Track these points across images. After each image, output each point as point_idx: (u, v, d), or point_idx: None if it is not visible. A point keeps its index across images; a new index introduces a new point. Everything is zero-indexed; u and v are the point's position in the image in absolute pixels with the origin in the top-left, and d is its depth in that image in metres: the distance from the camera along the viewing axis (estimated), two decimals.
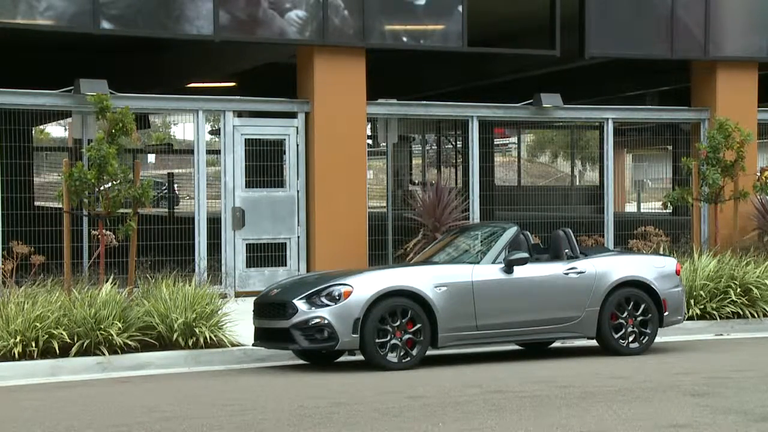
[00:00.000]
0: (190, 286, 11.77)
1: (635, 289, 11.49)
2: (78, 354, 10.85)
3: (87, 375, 10.60)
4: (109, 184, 12.12)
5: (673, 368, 10.50)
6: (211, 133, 23.22)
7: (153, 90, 16.21)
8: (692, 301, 13.59)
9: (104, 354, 10.90)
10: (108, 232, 12.30)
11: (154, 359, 11.10)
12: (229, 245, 15.31)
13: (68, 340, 10.83)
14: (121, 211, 12.32)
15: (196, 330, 11.28)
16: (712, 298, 13.76)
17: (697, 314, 13.62)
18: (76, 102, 14.34)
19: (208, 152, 16.02)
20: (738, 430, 7.32)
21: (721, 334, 13.47)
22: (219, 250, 15.27)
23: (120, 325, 11.03)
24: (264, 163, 15.63)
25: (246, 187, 15.50)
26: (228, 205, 15.36)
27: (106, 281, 11.75)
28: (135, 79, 19.56)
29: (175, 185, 23.63)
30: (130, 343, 11.05)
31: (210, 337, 11.29)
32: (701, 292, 13.70)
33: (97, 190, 12.08)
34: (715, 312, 13.70)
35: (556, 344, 12.36)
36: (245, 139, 15.50)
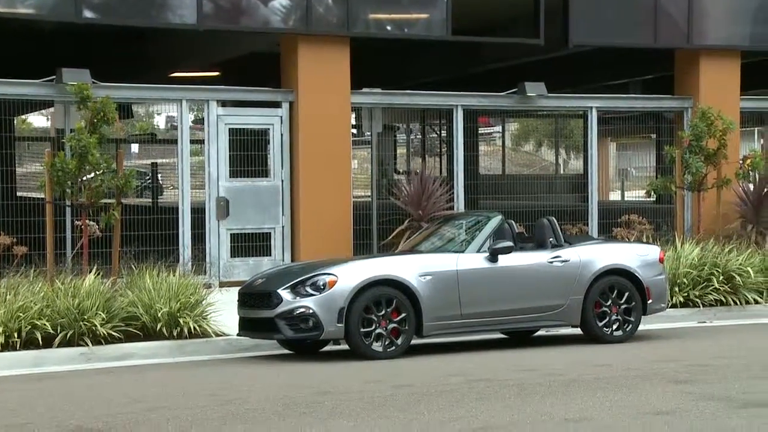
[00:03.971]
0: (174, 276, 11.75)
1: (619, 277, 11.52)
2: (61, 345, 10.81)
3: (70, 366, 10.56)
4: (92, 174, 12.07)
5: (657, 356, 10.54)
6: (195, 122, 23.12)
7: (136, 79, 16.13)
8: (675, 289, 13.65)
9: (88, 345, 10.86)
10: (91, 223, 12.24)
11: (138, 350, 11.06)
12: (214, 235, 15.27)
13: (51, 331, 10.79)
14: (104, 201, 12.27)
15: (181, 320, 11.25)
16: (695, 285, 13.81)
17: (680, 302, 13.67)
18: (58, 91, 14.26)
19: (192, 142, 15.96)
20: (721, 416, 7.36)
21: (704, 322, 13.53)
22: (203, 240, 15.21)
23: (104, 315, 11.00)
24: (248, 153, 15.58)
25: (230, 176, 15.45)
26: (212, 195, 15.31)
27: (90, 272, 11.71)
28: (118, 69, 19.45)
29: (159, 175, 23.54)
30: (113, 333, 11.02)
31: (194, 327, 11.27)
32: (684, 280, 13.75)
33: (79, 180, 12.02)
34: (698, 300, 13.76)
35: (541, 332, 12.39)
36: (229, 129, 15.45)
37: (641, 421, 7.27)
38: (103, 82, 14.40)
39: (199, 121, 23.98)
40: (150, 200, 21.49)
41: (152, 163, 23.75)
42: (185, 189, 15.15)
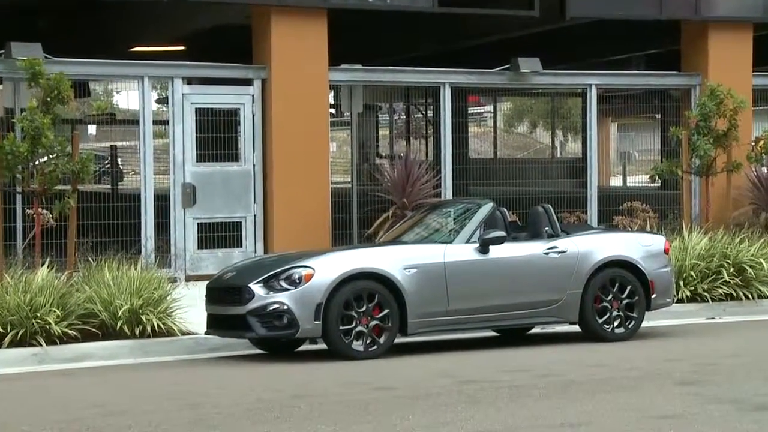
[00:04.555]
0: (135, 269, 11.72)
1: (621, 269, 11.55)
2: (12, 345, 10.77)
3: (22, 367, 10.52)
4: (45, 158, 12.00)
5: (662, 355, 10.59)
6: (158, 102, 23.01)
7: (93, 54, 16.04)
8: (682, 283, 13.70)
9: (41, 344, 10.83)
10: (44, 211, 12.18)
11: (96, 350, 11.03)
12: (179, 224, 15.23)
13: (0, 330, 10.73)
14: (59, 187, 12.21)
15: (143, 318, 11.23)
16: (704, 278, 13.86)
17: (687, 296, 13.73)
18: (7, 68, 14.17)
19: (155, 123, 15.89)
20: (730, 420, 7.39)
21: (713, 318, 13.59)
22: (167, 229, 15.18)
23: (58, 312, 10.96)
24: (216, 135, 15.54)
25: (197, 161, 15.41)
26: (177, 181, 15.27)
27: (43, 265, 11.65)
28: (74, 43, 19.34)
29: (119, 159, 23.45)
30: (69, 332, 10.98)
31: (158, 325, 11.25)
32: (691, 273, 13.80)
33: (31, 164, 11.96)
34: (706, 294, 13.81)
35: (536, 330, 12.42)
36: (196, 109, 15.40)
37: (645, 426, 7.30)
38: (57, 57, 14.32)
39: (162, 101, 23.90)
40: (109, 187, 21.37)
41: (111, 146, 23.63)
42: (148, 174, 15.10)
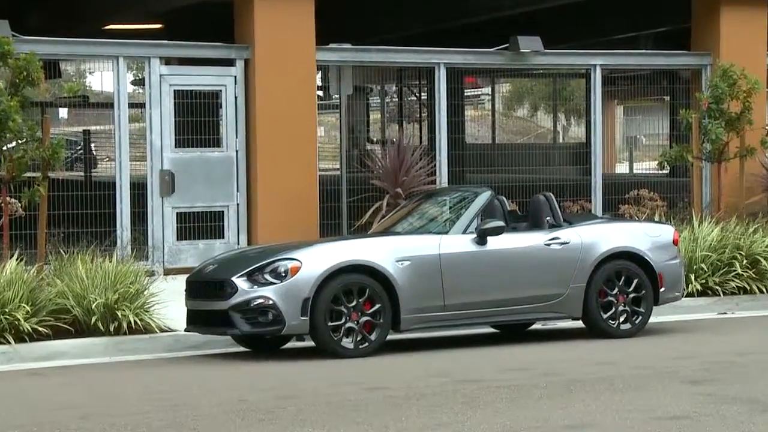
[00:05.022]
0: (110, 262, 11.71)
1: (627, 261, 11.57)
2: None
3: None
4: (13, 144, 11.98)
5: (670, 352, 10.62)
6: (135, 83, 22.95)
7: (65, 33, 15.99)
8: (692, 275, 13.73)
9: (9, 342, 10.82)
10: (12, 200, 12.16)
11: (68, 348, 11.03)
12: (157, 214, 15.22)
13: None
14: (28, 175, 12.19)
15: (119, 313, 11.23)
16: (715, 271, 13.90)
17: (697, 290, 13.76)
18: None
19: (131, 106, 15.85)
20: (743, 421, 7.42)
21: (725, 313, 13.63)
22: (144, 220, 15.16)
23: (28, 308, 10.95)
24: (197, 119, 15.52)
25: (176, 146, 15.39)
26: (155, 168, 15.25)
27: (11, 257, 11.64)
28: (44, 21, 19.31)
29: (92, 144, 23.43)
30: (40, 329, 10.97)
31: (135, 321, 11.25)
32: (702, 265, 13.84)
33: None
34: (718, 287, 13.85)
35: (537, 326, 12.43)
36: (174, 91, 15.37)
37: (652, 427, 7.33)
38: (26, 36, 14.28)
39: (139, 82, 23.86)
40: (82, 174, 21.37)
41: (84, 130, 23.63)
42: (123, 161, 15.08)
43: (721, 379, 8.97)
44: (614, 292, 11.50)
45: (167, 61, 15.79)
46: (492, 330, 12.23)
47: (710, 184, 17.19)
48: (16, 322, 10.86)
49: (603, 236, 11.60)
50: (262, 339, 11.12)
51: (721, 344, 11.21)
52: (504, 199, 11.97)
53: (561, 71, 21.40)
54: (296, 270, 10.45)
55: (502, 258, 11.14)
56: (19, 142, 11.95)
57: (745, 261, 13.99)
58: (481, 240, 11.08)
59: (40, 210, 12.10)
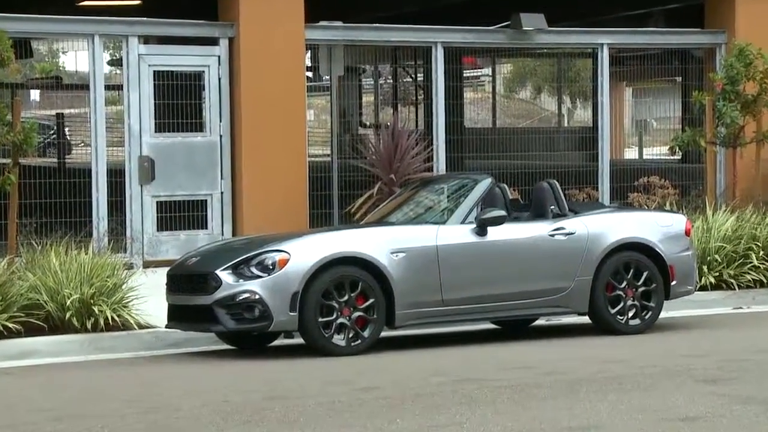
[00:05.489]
0: (86, 254, 11.71)
1: (636, 253, 11.59)
2: None
3: None
4: None
5: (682, 349, 10.64)
6: (111, 63, 22.89)
7: (37, 10, 15.95)
8: (705, 268, 13.75)
9: None
10: None
11: (42, 345, 11.04)
12: (136, 203, 15.21)
13: None
14: None
15: (95, 309, 11.23)
16: (730, 263, 13.92)
17: (711, 283, 13.78)
18: None
19: (108, 88, 15.83)
20: (760, 422, 7.44)
21: (741, 307, 13.66)
22: (122, 209, 15.16)
23: None
24: (178, 102, 15.51)
25: (156, 131, 15.38)
26: (133, 154, 15.24)
27: None
28: None
29: (66, 129, 23.38)
30: (10, 326, 10.98)
31: (112, 317, 11.25)
32: (716, 257, 13.86)
33: None
34: (732, 280, 13.87)
35: (540, 322, 12.45)
36: (154, 72, 15.36)
37: (663, 429, 7.34)
38: None
39: (116, 62, 23.82)
40: (55, 160, 21.35)
41: (57, 113, 23.57)
42: (99, 146, 15.07)
43: (737, 378, 8.99)
44: (622, 285, 11.51)
45: (146, 39, 15.76)
46: (493, 326, 12.24)
47: (725, 170, 17.21)
48: None
49: (611, 226, 11.61)
50: (248, 336, 11.13)
51: (736, 341, 11.23)
52: (505, 186, 11.97)
53: (566, 50, 21.39)
54: (284, 262, 10.45)
55: (504, 249, 11.15)
56: None
57: (761, 252, 14.02)
58: (480, 230, 11.08)
59: (11, 199, 12.08)
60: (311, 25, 15.86)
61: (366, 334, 10.61)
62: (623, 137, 23.90)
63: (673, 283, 11.73)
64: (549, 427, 7.45)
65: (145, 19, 15.83)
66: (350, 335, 10.55)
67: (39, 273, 11.45)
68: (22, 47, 15.55)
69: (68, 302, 11.19)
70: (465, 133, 19.83)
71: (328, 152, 17.07)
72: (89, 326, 11.22)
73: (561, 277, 11.31)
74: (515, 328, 12.15)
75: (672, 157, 20.45)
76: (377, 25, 16.86)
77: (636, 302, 11.56)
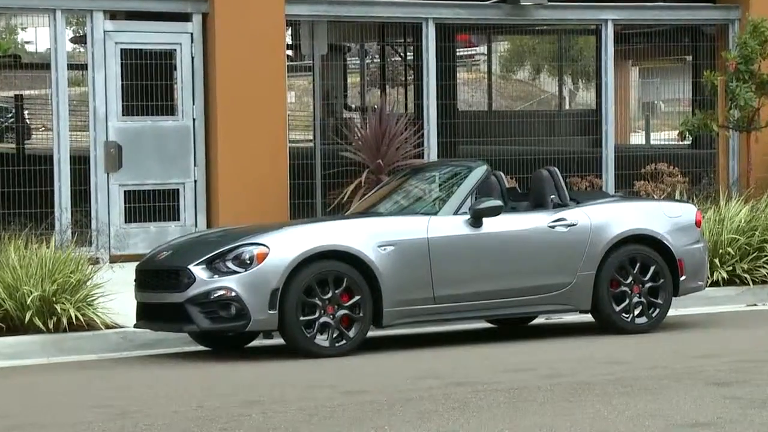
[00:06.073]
0: (48, 248, 11.69)
1: (643, 246, 11.62)
2: None
3: None
4: None
5: (692, 350, 10.67)
6: (75, 41, 22.84)
7: None
8: (717, 261, 13.79)
9: None
10: None
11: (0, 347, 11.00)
12: (102, 193, 15.19)
13: None
14: None
15: (58, 307, 11.23)
16: (744, 257, 13.96)
17: (723, 278, 13.82)
18: None
19: (71, 67, 15.79)
20: None
21: (755, 304, 13.70)
22: (87, 199, 15.14)
23: None
24: (147, 83, 15.49)
25: (123, 114, 15.36)
26: (99, 139, 15.22)
27: None
28: None
29: (26, 112, 23.35)
30: None
31: (76, 316, 11.24)
32: (729, 250, 13.89)
33: None
34: (746, 275, 13.91)
35: (539, 320, 12.47)
36: (121, 50, 15.33)
37: None
38: None
39: (80, 40, 23.77)
40: (13, 146, 21.33)
41: (16, 95, 23.54)
42: (62, 131, 15.04)
43: (751, 380, 9.02)
44: (628, 281, 11.54)
45: (113, 15, 15.73)
46: (488, 325, 12.26)
47: (738, 156, 17.24)
48: None
49: (615, 217, 11.63)
50: (224, 336, 11.13)
51: (750, 340, 11.26)
52: (502, 174, 11.99)
53: (567, 27, 21.41)
54: (263, 257, 10.46)
55: (500, 242, 11.17)
56: None
57: None
58: (475, 222, 11.10)
59: None
60: None
61: (351, 334, 10.62)
62: (629, 121, 23.93)
63: (683, 278, 11.76)
64: None
65: None
66: (334, 335, 10.56)
67: None
68: None
69: (28, 300, 11.17)
70: (458, 116, 19.84)
71: (311, 137, 17.08)
72: (51, 326, 11.21)
73: (562, 272, 11.33)
74: (512, 328, 12.17)
75: (681, 143, 20.52)
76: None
77: (642, 299, 11.59)
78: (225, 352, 11.10)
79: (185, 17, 15.61)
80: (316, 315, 10.52)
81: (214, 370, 10.26)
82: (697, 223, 12.10)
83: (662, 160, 16.75)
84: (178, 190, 15.59)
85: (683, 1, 19.76)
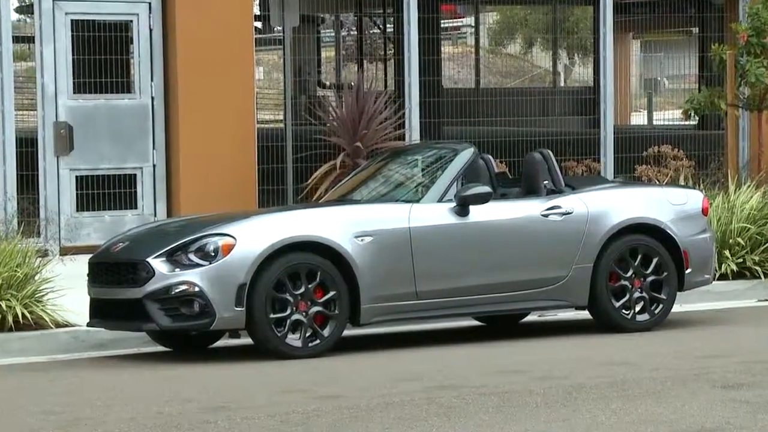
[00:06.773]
0: None
1: (644, 236, 11.66)
2: None
3: None
4: None
5: (698, 349, 10.71)
6: (20, 11, 22.75)
7: None
8: (726, 253, 13.83)
9: None
10: None
11: None
12: (51, 179, 15.17)
13: None
14: None
15: (2, 304, 11.23)
16: (755, 248, 14.00)
17: (732, 271, 13.86)
18: None
19: (17, 40, 15.75)
20: None
21: (767, 300, 13.75)
22: (35, 185, 15.11)
23: None
24: (101, 57, 15.46)
25: (75, 92, 15.34)
26: (48, 119, 15.20)
27: None
28: None
29: None
30: None
31: (23, 314, 11.24)
32: (739, 240, 13.94)
33: None
34: (757, 268, 13.95)
35: (531, 317, 12.50)
36: (72, 21, 15.31)
37: None
38: None
39: (25, 10, 23.70)
40: None
41: None
42: (7, 110, 15.02)
43: (761, 382, 9.06)
44: (628, 274, 11.57)
45: None
46: (476, 323, 12.28)
47: (749, 137, 17.30)
48: None
49: (614, 205, 11.66)
50: (186, 336, 11.14)
51: (761, 339, 11.30)
52: (490, 158, 12.00)
53: None
54: (229, 248, 10.45)
55: (488, 232, 11.18)
56: None
57: None
58: (461, 210, 11.11)
59: None
60: None
61: (326, 332, 10.62)
62: (629, 99, 23.99)
63: (688, 271, 11.79)
64: None
65: None
66: (307, 334, 10.57)
67: None
68: None
69: None
70: (443, 94, 19.88)
71: (281, 117, 17.09)
72: None
73: (556, 265, 11.35)
74: (502, 326, 12.19)
75: (687, 123, 20.56)
76: None
77: (644, 294, 11.62)
78: (187, 353, 11.09)
79: None
80: (288, 312, 10.52)
81: (175, 373, 10.25)
82: (704, 211, 12.13)
83: (666, 141, 16.79)
84: (135, 175, 15.58)
85: None
